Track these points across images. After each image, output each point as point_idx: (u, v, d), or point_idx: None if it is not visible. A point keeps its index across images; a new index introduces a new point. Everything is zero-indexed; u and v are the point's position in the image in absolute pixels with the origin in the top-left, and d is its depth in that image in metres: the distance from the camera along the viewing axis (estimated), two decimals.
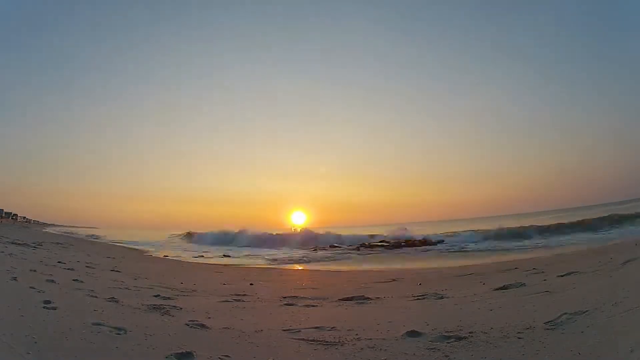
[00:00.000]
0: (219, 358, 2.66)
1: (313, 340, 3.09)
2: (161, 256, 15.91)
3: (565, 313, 3.20)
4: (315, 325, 3.51)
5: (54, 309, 3.48)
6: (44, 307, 3.49)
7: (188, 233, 31.62)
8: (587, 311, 3.19)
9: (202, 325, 3.46)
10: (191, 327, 3.41)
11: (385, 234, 23.21)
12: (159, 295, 5.02)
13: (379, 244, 21.27)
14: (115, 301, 4.28)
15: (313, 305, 4.66)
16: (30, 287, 4.35)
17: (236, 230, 26.42)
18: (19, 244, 11.90)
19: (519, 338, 2.87)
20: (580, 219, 20.27)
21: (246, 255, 16.47)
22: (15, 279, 4.90)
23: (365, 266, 12.25)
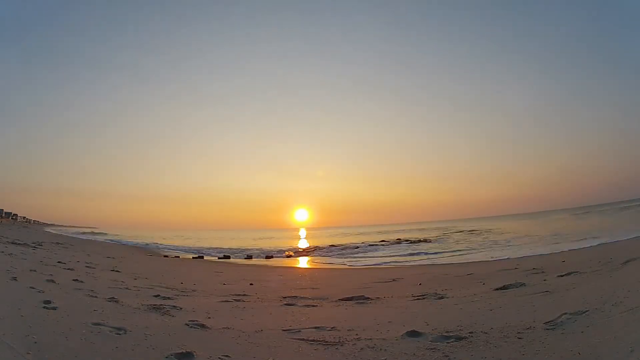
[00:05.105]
0: (219, 358, 2.65)
1: (313, 340, 3.09)
2: (161, 256, 15.94)
3: (565, 313, 3.20)
4: (315, 325, 3.51)
5: (54, 309, 3.47)
6: (44, 307, 3.49)
7: None
8: (587, 311, 3.19)
9: (202, 325, 3.45)
10: (191, 327, 3.41)
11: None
12: (159, 295, 5.01)
13: (379, 243, 21.35)
14: (115, 301, 4.27)
15: (313, 305, 4.65)
16: (30, 287, 4.35)
17: None
18: (19, 244, 11.90)
19: (519, 338, 2.87)
20: None
21: None
22: (15, 279, 4.90)
23: (365, 266, 12.26)
